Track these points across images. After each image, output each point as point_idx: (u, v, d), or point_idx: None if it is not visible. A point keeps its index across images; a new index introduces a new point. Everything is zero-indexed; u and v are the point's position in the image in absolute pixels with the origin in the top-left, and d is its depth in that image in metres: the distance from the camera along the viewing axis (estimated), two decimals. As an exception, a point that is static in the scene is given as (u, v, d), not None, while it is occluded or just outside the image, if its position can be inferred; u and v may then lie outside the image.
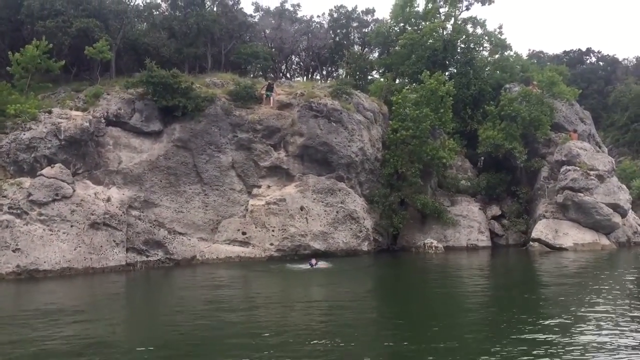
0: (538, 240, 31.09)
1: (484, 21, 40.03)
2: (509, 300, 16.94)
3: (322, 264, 24.44)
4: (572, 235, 31.12)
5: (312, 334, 12.82)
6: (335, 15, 47.27)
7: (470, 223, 32.95)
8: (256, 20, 45.53)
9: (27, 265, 22.94)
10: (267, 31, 45.21)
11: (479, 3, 39.76)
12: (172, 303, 17.52)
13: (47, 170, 24.54)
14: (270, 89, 30.67)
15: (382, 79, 41.07)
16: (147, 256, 26.57)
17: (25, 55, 27.47)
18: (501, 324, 13.55)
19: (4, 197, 23.59)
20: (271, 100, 30.14)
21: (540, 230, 31.42)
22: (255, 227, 28.49)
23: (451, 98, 32.53)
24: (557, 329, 12.77)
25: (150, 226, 26.90)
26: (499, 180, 34.95)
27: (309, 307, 16.37)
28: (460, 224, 32.67)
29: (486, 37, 40.03)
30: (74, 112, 27.04)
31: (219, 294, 19.11)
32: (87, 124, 26.33)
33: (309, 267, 23.99)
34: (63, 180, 24.56)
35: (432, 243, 31.10)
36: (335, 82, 35.43)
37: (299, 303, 17.12)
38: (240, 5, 41.78)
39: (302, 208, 28.76)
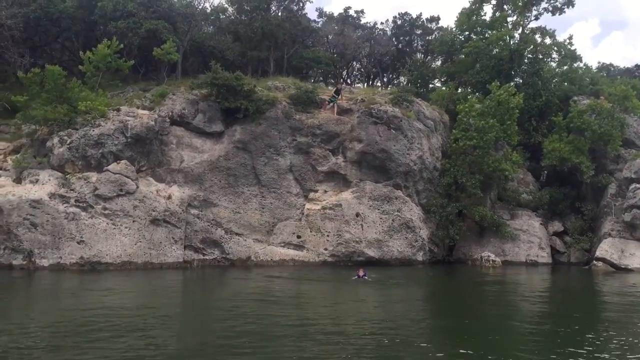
0: (602, 259, 29.81)
1: (554, 31, 38.95)
2: (570, 319, 16.24)
3: (370, 277, 22.83)
4: (639, 256, 29.68)
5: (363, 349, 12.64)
6: (399, 22, 47.04)
7: (531, 238, 31.95)
8: (319, 25, 45.87)
9: (90, 257, 23.76)
10: (330, 37, 45.45)
11: (549, 13, 38.61)
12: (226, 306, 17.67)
13: (113, 166, 25.37)
14: (337, 93, 30.69)
15: (444, 88, 40.46)
16: (204, 254, 27.07)
17: (97, 55, 28.51)
18: (556, 339, 12.99)
19: (72, 190, 24.52)
20: (335, 107, 30.06)
21: (605, 249, 30.12)
22: (310, 231, 28.53)
23: (517, 110, 31.63)
24: (616, 352, 12.15)
25: (208, 225, 27.37)
26: (563, 195, 33.77)
27: (362, 320, 16.17)
28: (519, 238, 31.72)
29: (555, 48, 38.82)
30: (140, 111, 27.87)
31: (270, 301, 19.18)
32: (153, 122, 27.06)
33: (356, 278, 22.67)
34: (127, 177, 25.32)
35: (489, 257, 30.32)
36: (396, 89, 35.13)
37: (350, 316, 16.97)
38: (305, 11, 42.19)
39: (357, 214, 28.61)
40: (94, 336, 12.37)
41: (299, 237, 28.51)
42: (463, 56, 39.78)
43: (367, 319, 15.52)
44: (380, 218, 28.91)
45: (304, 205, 29.05)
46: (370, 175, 29.57)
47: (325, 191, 29.43)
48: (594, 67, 46.86)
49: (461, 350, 12.00)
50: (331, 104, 30.16)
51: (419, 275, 26.38)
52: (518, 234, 31.76)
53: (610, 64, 56.62)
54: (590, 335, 13.78)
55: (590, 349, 12.49)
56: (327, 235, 28.40)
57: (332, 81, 45.58)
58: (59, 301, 17.31)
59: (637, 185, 30.27)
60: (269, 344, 12.22)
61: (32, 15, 32.04)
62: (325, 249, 28.29)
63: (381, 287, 21.72)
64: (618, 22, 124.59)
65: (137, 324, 13.67)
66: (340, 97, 30.58)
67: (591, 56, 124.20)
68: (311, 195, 29.34)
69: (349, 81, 49.39)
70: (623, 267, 29.26)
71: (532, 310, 17.83)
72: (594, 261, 30.08)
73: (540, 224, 32.73)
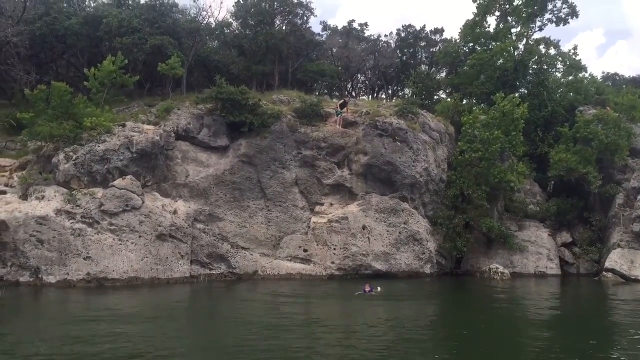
0: (612, 270, 29.51)
1: (558, 42, 38.92)
2: (582, 330, 16.02)
3: (376, 290, 22.67)
4: (649, 267, 29.38)
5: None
6: (402, 34, 47.18)
7: (539, 249, 31.68)
8: (323, 38, 46.04)
9: (96, 274, 23.66)
10: (334, 50, 45.59)
11: (553, 23, 38.63)
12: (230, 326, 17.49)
13: (118, 182, 25.34)
14: (343, 106, 30.69)
15: (448, 99, 40.43)
16: (210, 269, 26.95)
17: (102, 70, 28.62)
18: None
19: (78, 206, 24.48)
20: (340, 120, 30.03)
21: (615, 260, 29.82)
22: (317, 245, 28.39)
23: (522, 121, 31.52)
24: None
25: (214, 240, 27.28)
26: (570, 205, 33.51)
27: (368, 333, 16.00)
28: (527, 249, 31.45)
29: (560, 58, 38.78)
30: (145, 126, 27.90)
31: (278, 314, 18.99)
32: (158, 137, 27.08)
33: (362, 293, 22.34)
34: (133, 192, 25.28)
35: (497, 268, 30.03)
36: (401, 101, 35.12)
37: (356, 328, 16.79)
38: (309, 24, 42.40)
39: (364, 227, 28.46)
40: None
41: (305, 250, 28.37)
42: (467, 67, 39.78)
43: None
44: (387, 231, 28.74)
45: (310, 218, 28.94)
46: (376, 188, 29.44)
47: (331, 204, 29.32)
48: (598, 77, 46.89)
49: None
50: (338, 116, 30.12)
51: (429, 289, 26.05)
52: (526, 246, 31.50)
53: (615, 74, 56.62)
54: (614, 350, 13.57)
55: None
56: (334, 249, 28.24)
57: (337, 94, 45.70)
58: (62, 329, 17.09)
59: (646, 195, 30.04)
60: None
61: (38, 32, 32.28)
62: (332, 263, 28.12)
63: (391, 307, 21.40)
64: (622, 31, 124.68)
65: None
66: (345, 109, 30.57)
67: (596, 66, 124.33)
68: (317, 208, 29.23)
69: (353, 94, 49.50)
70: (633, 277, 28.93)
71: (546, 322, 17.59)
72: (604, 272, 29.77)
73: (549, 235, 32.46)
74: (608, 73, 55.09)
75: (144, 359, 12.19)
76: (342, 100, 31.91)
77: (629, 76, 55.94)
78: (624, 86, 47.85)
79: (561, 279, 30.39)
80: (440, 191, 31.26)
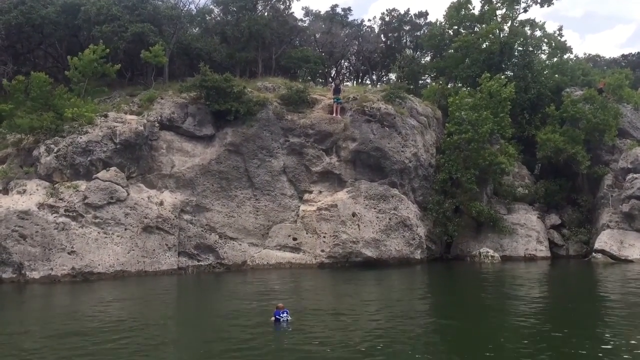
0: (602, 251, 29.56)
1: (543, 23, 38.65)
2: (577, 314, 15.90)
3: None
4: (638, 247, 29.47)
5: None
6: (387, 18, 46.63)
7: (528, 232, 31.63)
8: (306, 24, 45.35)
9: (82, 268, 23.14)
10: (318, 35, 44.96)
11: (538, 5, 38.36)
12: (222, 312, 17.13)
13: (102, 174, 24.77)
14: (337, 91, 30.11)
15: (434, 83, 40.14)
16: (199, 260, 26.54)
17: (83, 60, 27.85)
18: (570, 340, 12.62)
19: (61, 199, 23.89)
20: (338, 108, 29.43)
21: (605, 240, 29.88)
22: (306, 233, 28.05)
23: (509, 102, 31.34)
24: (621, 348, 11.83)
25: (202, 230, 26.84)
26: (559, 187, 33.49)
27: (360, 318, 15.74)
28: (517, 232, 31.41)
29: (545, 40, 38.58)
30: (128, 116, 27.27)
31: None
32: (142, 127, 26.48)
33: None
34: (118, 184, 24.74)
35: (488, 252, 29.98)
36: (388, 86, 34.70)
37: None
38: (291, 10, 41.71)
39: (354, 214, 28.15)
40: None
41: (294, 239, 28.02)
42: (453, 51, 39.41)
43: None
44: (377, 217, 28.46)
45: (299, 206, 28.58)
46: (365, 174, 29.12)
47: (320, 192, 28.96)
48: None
49: None
50: (336, 103, 29.50)
51: (421, 279, 25.93)
52: (515, 229, 31.45)
53: (597, 55, 56.71)
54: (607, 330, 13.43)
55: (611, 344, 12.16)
56: (324, 237, 27.91)
57: (321, 80, 45.14)
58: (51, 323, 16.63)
59: (635, 176, 30.06)
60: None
61: (14, 21, 31.25)
62: (322, 251, 27.79)
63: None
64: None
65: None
66: (341, 94, 30.00)
67: (579, 48, 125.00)
68: (306, 196, 28.87)
69: (337, 80, 48.97)
70: (623, 258, 29.01)
71: (544, 306, 17.46)
72: (593, 253, 29.83)
73: (538, 217, 32.44)
74: (589, 54, 55.13)
75: (129, 351, 11.80)
76: (333, 86, 31.26)
77: (610, 57, 56.12)
78: (605, 67, 48.02)
79: (551, 261, 30.40)
80: (430, 176, 31.05)
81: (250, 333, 13.52)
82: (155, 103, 28.43)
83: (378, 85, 42.83)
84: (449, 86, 38.16)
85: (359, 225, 28.10)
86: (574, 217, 32.92)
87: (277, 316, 14.17)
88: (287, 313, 14.29)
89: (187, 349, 12.31)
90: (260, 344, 12.58)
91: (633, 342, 12.41)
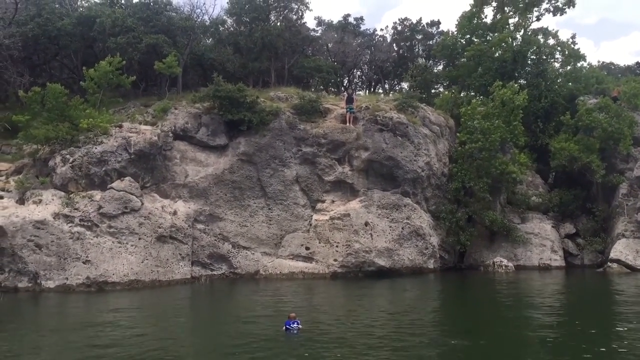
0: (617, 260, 29.23)
1: (556, 31, 38.61)
2: (591, 324, 15.73)
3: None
4: (654, 256, 29.16)
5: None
6: (399, 28, 46.81)
7: (543, 241, 31.39)
8: (319, 34, 45.59)
9: (96, 277, 23.29)
10: (330, 45, 45.19)
11: (550, 13, 38.30)
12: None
13: (117, 184, 24.97)
14: (350, 101, 30.15)
15: (446, 92, 40.12)
16: (212, 270, 26.64)
17: (99, 71, 28.20)
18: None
19: (76, 209, 24.11)
20: (350, 118, 29.47)
21: (620, 250, 29.56)
22: (319, 243, 28.05)
23: (521, 111, 31.24)
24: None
25: (215, 240, 26.95)
26: (573, 196, 33.21)
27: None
28: (531, 242, 31.17)
29: (558, 48, 38.45)
30: (143, 127, 27.52)
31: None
32: (156, 138, 26.70)
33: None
34: (132, 194, 24.92)
35: (501, 262, 29.76)
36: (400, 95, 34.75)
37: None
38: (304, 20, 41.96)
39: (366, 223, 28.11)
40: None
41: (307, 248, 28.02)
42: (465, 60, 39.41)
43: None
44: (390, 226, 28.40)
45: (312, 216, 28.59)
46: (377, 184, 29.11)
47: (333, 201, 28.97)
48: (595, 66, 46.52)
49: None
50: (349, 113, 29.55)
51: (435, 288, 25.78)
52: (530, 238, 31.22)
53: (611, 63, 56.40)
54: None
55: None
56: (336, 246, 27.88)
57: (334, 90, 45.28)
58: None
59: (650, 184, 29.79)
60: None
61: (31, 33, 31.77)
62: (335, 260, 27.76)
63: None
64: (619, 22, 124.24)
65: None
66: (354, 104, 30.09)
67: (593, 56, 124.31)
68: (318, 205, 28.89)
69: (350, 90, 49.07)
70: (638, 267, 28.69)
71: (560, 317, 17.31)
72: (609, 263, 29.51)
73: (552, 226, 32.18)
74: (603, 62, 54.85)
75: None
76: (346, 95, 31.31)
77: (624, 65, 55.79)
78: (619, 75, 47.69)
79: (566, 270, 30.12)
80: (442, 185, 30.97)
81: (263, 341, 13.54)
82: (169, 113, 28.68)
83: (390, 95, 42.86)
84: (461, 95, 38.10)
85: (371, 235, 28.06)
86: (589, 226, 32.61)
87: (287, 326, 14.22)
88: (297, 323, 14.33)
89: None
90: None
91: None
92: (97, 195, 24.73)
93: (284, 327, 14.29)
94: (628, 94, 33.49)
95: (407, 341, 13.63)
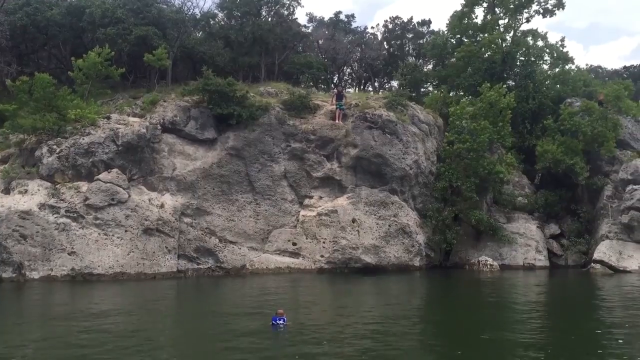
0: (600, 261, 29.55)
1: (545, 33, 38.82)
2: (576, 325, 15.95)
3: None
4: (637, 258, 29.44)
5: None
6: (390, 26, 46.86)
7: (528, 241, 31.65)
8: (310, 30, 45.51)
9: (81, 269, 23.22)
10: (321, 41, 45.12)
11: (540, 15, 38.52)
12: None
13: (104, 175, 24.86)
14: (340, 98, 30.17)
15: (436, 91, 40.27)
16: (198, 264, 26.58)
17: (87, 62, 28.01)
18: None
19: (62, 200, 23.98)
20: (340, 115, 29.50)
21: (603, 251, 29.89)
22: (306, 238, 28.10)
23: (510, 112, 31.47)
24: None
25: (202, 234, 26.90)
26: (558, 197, 33.50)
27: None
28: (516, 242, 31.42)
29: (547, 50, 38.72)
30: (131, 118, 27.40)
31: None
32: (144, 130, 26.58)
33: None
34: (119, 185, 24.82)
35: (487, 261, 29.99)
36: (390, 93, 34.86)
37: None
38: (295, 16, 41.88)
39: (353, 220, 28.22)
40: None
41: (294, 244, 28.07)
42: (455, 59, 39.55)
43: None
44: (377, 224, 28.53)
45: (299, 211, 28.64)
46: (365, 181, 29.20)
47: (321, 197, 29.03)
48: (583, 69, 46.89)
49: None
50: (338, 109, 29.58)
51: (420, 288, 25.96)
52: (515, 238, 31.47)
53: (599, 66, 56.94)
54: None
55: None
56: (323, 242, 27.96)
57: (324, 86, 45.25)
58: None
59: (634, 187, 30.08)
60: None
61: (19, 23, 31.45)
62: (322, 256, 27.85)
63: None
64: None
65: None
66: (345, 101, 30.13)
67: (582, 59, 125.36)
68: (306, 201, 28.93)
69: (339, 87, 49.06)
70: (621, 269, 29.03)
71: (546, 316, 17.51)
72: (592, 263, 29.84)
73: (537, 227, 32.46)
74: (591, 65, 55.33)
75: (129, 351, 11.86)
76: (336, 92, 31.33)
77: (612, 69, 56.34)
78: (607, 79, 48.14)
79: (550, 270, 30.43)
80: (430, 184, 31.14)
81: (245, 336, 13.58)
82: (157, 106, 28.55)
83: (380, 92, 42.97)
84: (450, 94, 38.25)
85: (358, 232, 28.17)
86: (574, 228, 32.96)
87: (274, 322, 14.22)
88: (284, 320, 14.31)
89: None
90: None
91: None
92: (84, 186, 24.61)
93: (271, 323, 14.28)
94: (611, 96, 33.81)
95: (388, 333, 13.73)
